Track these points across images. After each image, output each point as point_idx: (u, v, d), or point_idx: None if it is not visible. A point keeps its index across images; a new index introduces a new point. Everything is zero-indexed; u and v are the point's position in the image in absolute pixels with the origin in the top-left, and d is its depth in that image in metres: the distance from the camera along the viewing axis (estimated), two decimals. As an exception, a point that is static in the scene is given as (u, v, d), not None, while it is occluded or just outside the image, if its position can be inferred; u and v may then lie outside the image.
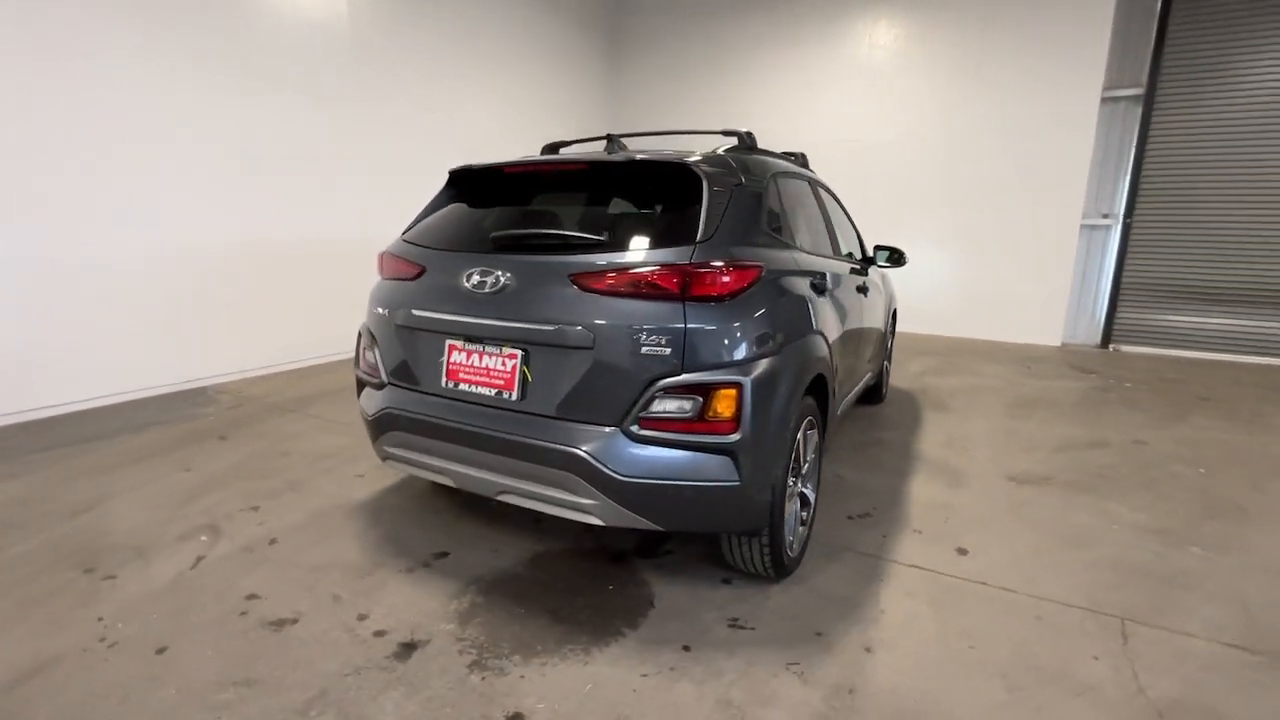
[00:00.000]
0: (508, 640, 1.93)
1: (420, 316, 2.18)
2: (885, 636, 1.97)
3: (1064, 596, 2.21)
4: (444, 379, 2.15)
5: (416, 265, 2.27)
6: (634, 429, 1.83)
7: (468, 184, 2.52)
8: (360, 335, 2.55)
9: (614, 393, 1.85)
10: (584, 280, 1.90)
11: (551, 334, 1.91)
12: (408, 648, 1.89)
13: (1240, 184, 6.65)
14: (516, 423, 1.98)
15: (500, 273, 2.01)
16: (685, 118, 9.18)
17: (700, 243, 1.89)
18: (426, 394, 2.21)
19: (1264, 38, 6.40)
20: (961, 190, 7.77)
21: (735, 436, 1.78)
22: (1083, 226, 7.29)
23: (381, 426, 2.29)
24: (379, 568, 2.33)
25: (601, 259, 1.91)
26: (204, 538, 2.53)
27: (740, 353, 1.82)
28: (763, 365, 1.85)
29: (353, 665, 1.80)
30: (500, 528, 2.64)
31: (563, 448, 1.87)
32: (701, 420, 1.79)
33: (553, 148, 3.05)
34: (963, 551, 2.51)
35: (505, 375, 2.01)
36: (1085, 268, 7.46)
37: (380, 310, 2.35)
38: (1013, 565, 2.41)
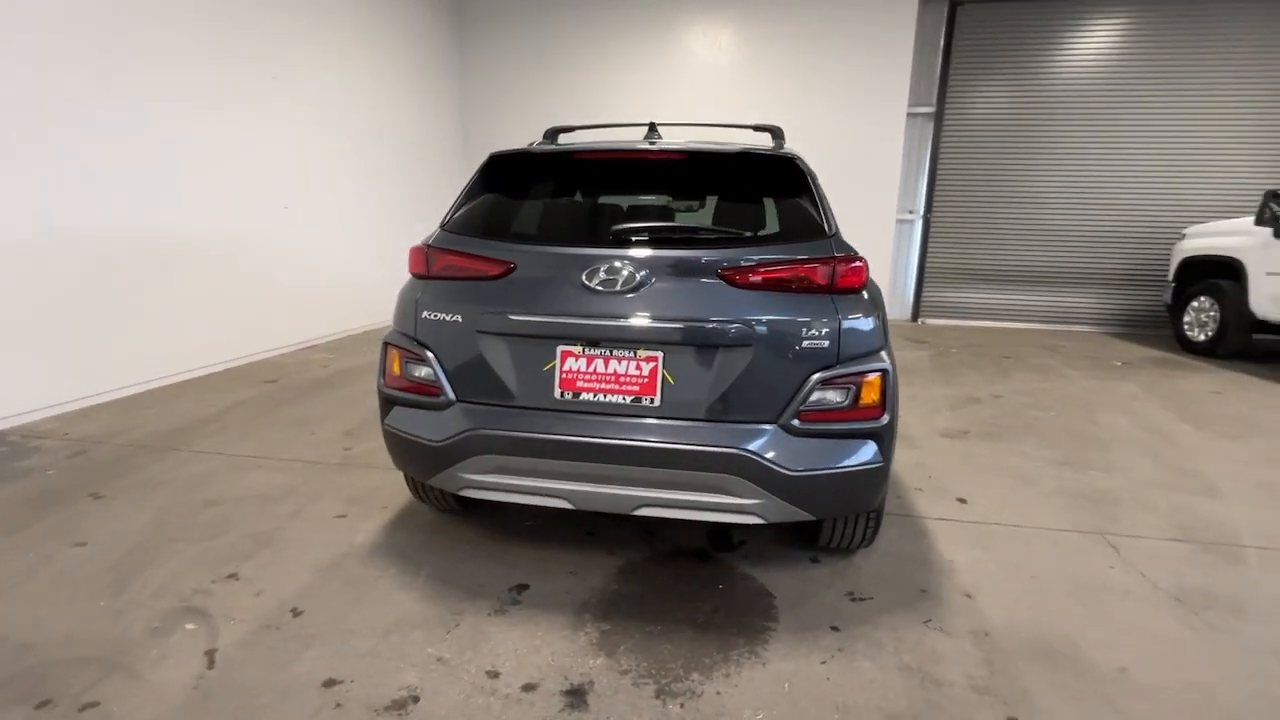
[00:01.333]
0: (671, 660, 1.81)
1: (521, 321, 1.90)
2: (971, 582, 2.25)
3: (1054, 524, 2.72)
4: (556, 390, 1.91)
5: (501, 261, 1.97)
6: (795, 423, 1.83)
7: (525, 170, 2.24)
8: (389, 347, 2.13)
9: (773, 388, 1.82)
10: (735, 276, 1.83)
11: (708, 333, 1.81)
12: (575, 694, 1.67)
13: (1011, 186, 8.52)
14: (659, 430, 1.85)
15: (634, 269, 1.85)
16: (539, 103, 8.95)
17: (831, 236, 1.94)
18: (528, 409, 1.94)
19: (1023, 70, 8.23)
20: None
21: (884, 420, 1.88)
22: (897, 221, 8.71)
23: (460, 452, 1.95)
24: (461, 615, 2.00)
25: (751, 254, 1.86)
26: (191, 626, 1.92)
27: (877, 340, 1.91)
28: (887, 350, 1.98)
29: (472, 710, 1.56)
30: (554, 547, 2.42)
31: (724, 450, 1.80)
32: (855, 408, 1.86)
33: (553, 133, 2.82)
34: (963, 500, 2.93)
35: (642, 380, 1.86)
36: (897, 256, 8.93)
37: (443, 316, 2.00)
38: (1004, 506, 2.88)
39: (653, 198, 2.18)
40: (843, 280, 1.86)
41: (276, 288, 5.64)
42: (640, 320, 1.83)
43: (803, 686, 1.72)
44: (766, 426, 1.83)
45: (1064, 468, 3.37)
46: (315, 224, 6.16)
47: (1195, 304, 6.75)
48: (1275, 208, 5.73)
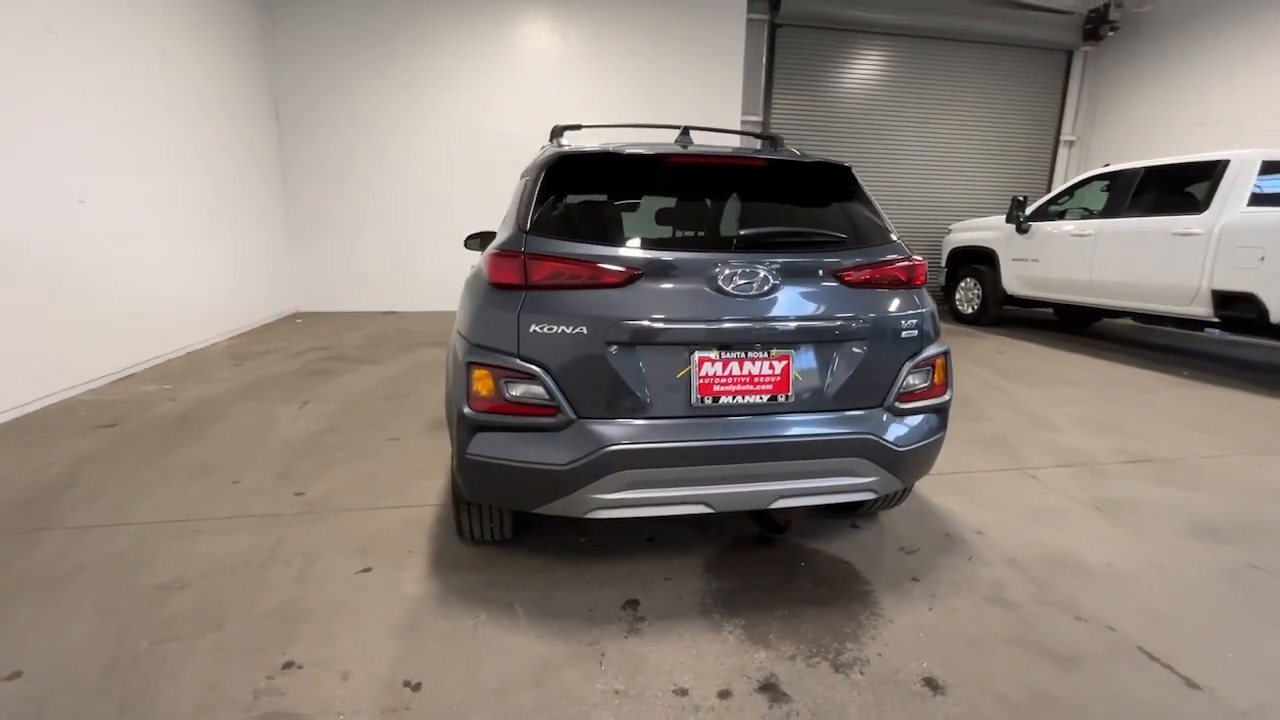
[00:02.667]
0: (820, 637, 1.93)
1: (659, 328, 1.83)
2: (973, 521, 2.72)
3: (986, 466, 3.38)
4: (694, 396, 1.88)
5: (627, 268, 1.87)
6: (897, 404, 2.06)
7: (599, 170, 2.12)
8: (477, 368, 1.89)
9: (881, 376, 2.03)
10: (847, 275, 1.99)
11: (833, 330, 1.94)
12: (769, 689, 1.71)
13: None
14: (795, 424, 1.94)
15: (765, 273, 1.89)
16: (363, 88, 8.10)
17: (895, 238, 2.20)
18: (663, 419, 1.88)
19: (829, 87, 9.57)
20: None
21: (947, 396, 2.21)
22: (737, 218, 9.60)
23: (593, 472, 1.82)
24: (599, 643, 1.88)
25: (854, 255, 2.03)
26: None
27: (937, 327, 2.23)
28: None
29: (757, 732, 1.57)
30: (625, 558, 2.37)
31: (854, 436, 1.96)
32: (931, 387, 2.15)
33: (559, 130, 2.69)
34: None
35: (775, 379, 1.92)
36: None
37: (560, 328, 1.83)
38: (945, 457, 3.49)
39: (736, 203, 2.23)
40: (919, 277, 2.14)
41: (73, 306, 4.35)
42: (774, 321, 1.90)
43: (933, 631, 1.97)
44: (878, 411, 2.04)
45: (958, 420, 4.16)
46: (120, 224, 4.87)
47: (963, 285, 8.61)
48: (1018, 210, 7.57)
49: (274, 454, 3.33)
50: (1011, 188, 9.63)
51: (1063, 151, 10.49)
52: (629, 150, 2.09)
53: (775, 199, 2.16)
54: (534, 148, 8.43)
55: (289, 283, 8.33)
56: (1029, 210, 7.56)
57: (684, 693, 1.70)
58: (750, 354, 1.91)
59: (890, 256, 2.09)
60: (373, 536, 2.48)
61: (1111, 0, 9.42)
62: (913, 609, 2.09)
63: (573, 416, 1.86)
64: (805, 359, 1.97)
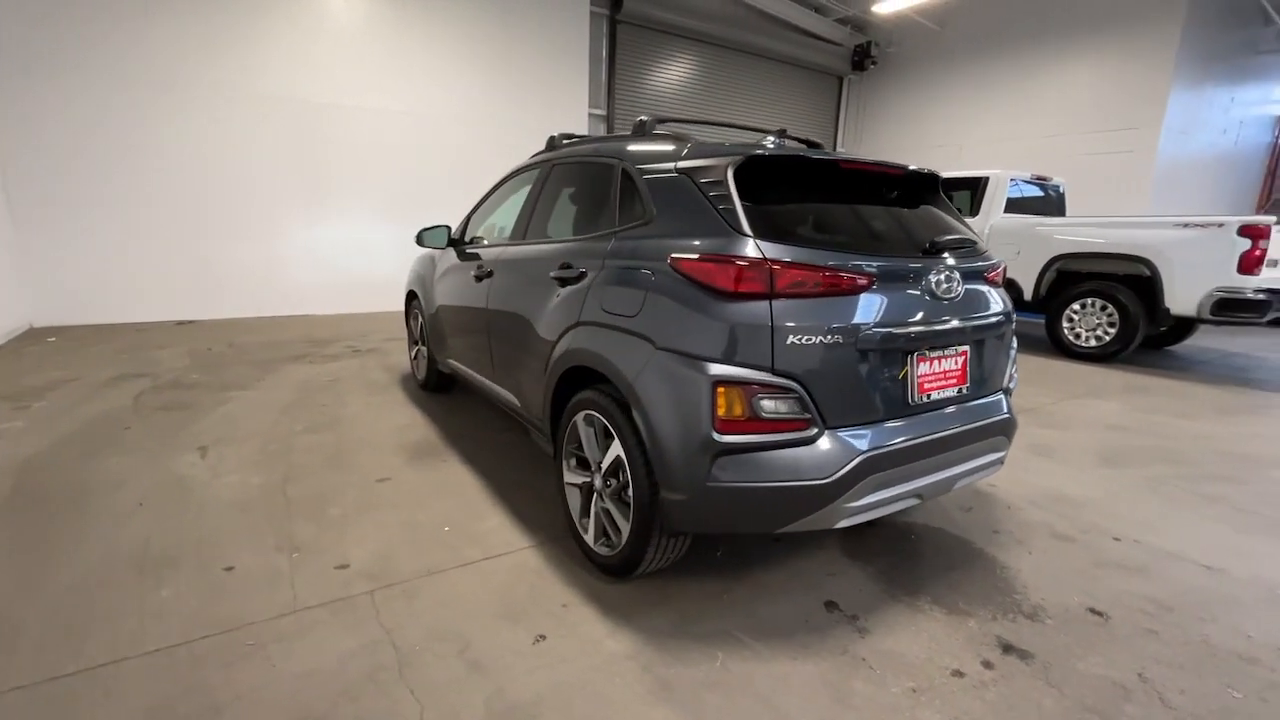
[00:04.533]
0: (1000, 596, 2.19)
1: (896, 333, 1.86)
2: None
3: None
4: (914, 395, 1.95)
5: (866, 274, 1.84)
6: (1009, 386, 2.39)
7: (787, 174, 2.01)
8: (728, 386, 1.72)
9: (1004, 362, 2.33)
10: (991, 277, 2.24)
11: (994, 325, 2.17)
12: (1015, 650, 1.91)
13: None
14: (972, 411, 2.14)
15: (959, 276, 2.03)
16: (137, 38, 6.23)
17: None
18: (892, 420, 1.92)
19: (662, 84, 9.98)
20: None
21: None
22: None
23: (850, 481, 1.79)
24: (846, 652, 1.87)
25: (988, 257, 2.27)
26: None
27: None
28: None
29: (1004, 700, 1.76)
30: (773, 564, 2.36)
31: (1002, 417, 2.23)
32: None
33: (652, 123, 2.48)
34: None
35: (958, 373, 2.09)
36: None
37: (816, 338, 1.75)
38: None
39: (893, 208, 2.30)
40: (1006, 276, 2.50)
41: None
42: (961, 321, 2.07)
43: (1051, 571, 2.37)
44: (1002, 393, 2.35)
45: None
46: None
47: (1082, 306, 9.62)
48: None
49: (241, 523, 2.50)
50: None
51: (838, 161, 12.55)
52: (815, 155, 2.05)
53: (913, 205, 2.30)
54: (375, 124, 7.45)
55: (16, 292, 6.05)
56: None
57: (960, 674, 1.81)
58: (945, 352, 2.06)
59: (999, 259, 2.42)
60: (501, 598, 2.07)
61: (871, 39, 11.53)
62: (1021, 556, 2.48)
63: (823, 427, 1.81)
64: (974, 353, 2.18)
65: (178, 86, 6.48)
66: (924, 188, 2.40)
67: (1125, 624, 2.07)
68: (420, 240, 3.74)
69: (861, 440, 1.85)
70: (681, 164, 2.10)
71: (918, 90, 11.24)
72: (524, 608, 2.03)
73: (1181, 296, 5.89)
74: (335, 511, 2.63)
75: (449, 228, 3.75)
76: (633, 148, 2.37)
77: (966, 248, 2.24)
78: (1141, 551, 2.54)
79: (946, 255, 2.11)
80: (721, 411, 1.73)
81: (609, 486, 2.14)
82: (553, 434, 2.50)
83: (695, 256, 1.85)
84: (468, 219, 3.77)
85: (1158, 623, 2.09)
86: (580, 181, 2.70)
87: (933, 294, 2.01)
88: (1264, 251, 5.59)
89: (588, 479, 2.27)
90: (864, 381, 1.88)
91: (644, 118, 2.46)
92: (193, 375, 4.68)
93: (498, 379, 3.04)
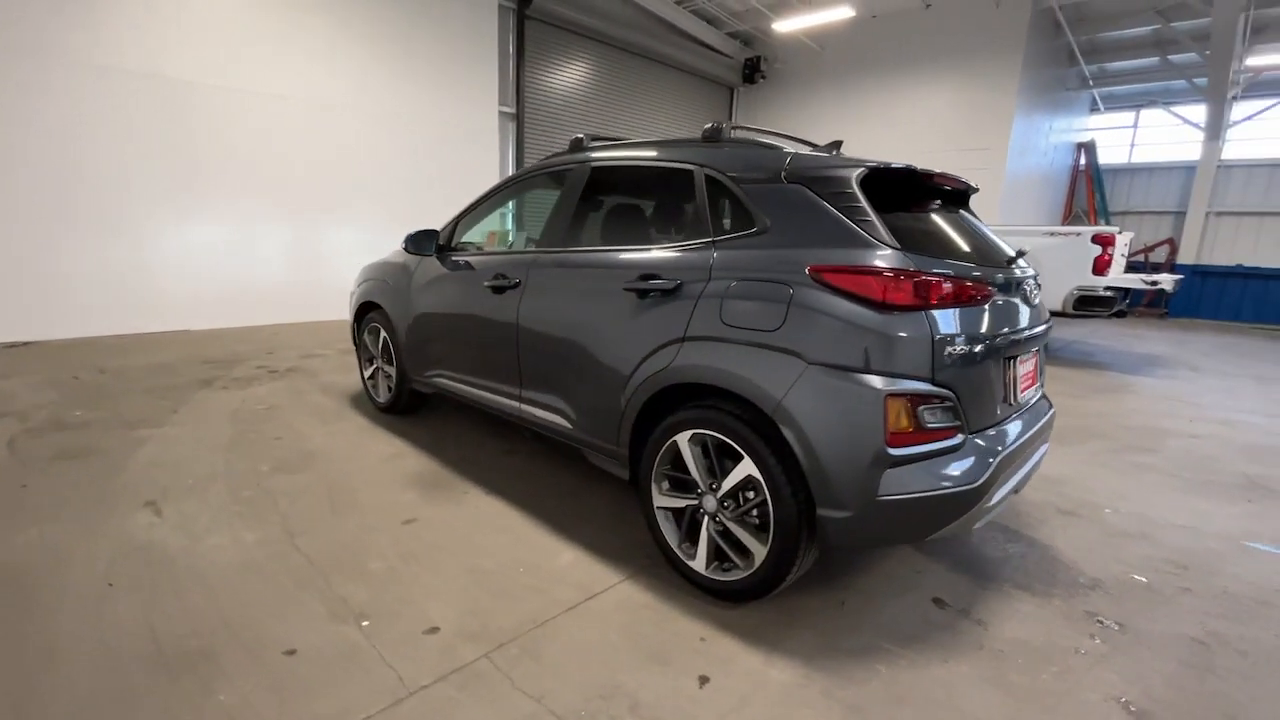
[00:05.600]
0: (1066, 574, 2.41)
1: (1014, 339, 1.96)
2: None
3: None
4: (1015, 396, 2.07)
5: (989, 285, 1.91)
6: (1044, 383, 2.64)
7: (893, 185, 2.02)
8: (894, 398, 1.72)
9: (1042, 364, 2.57)
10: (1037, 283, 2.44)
11: (1049, 329, 2.37)
12: (1108, 622, 2.11)
13: None
14: (1037, 409, 2.31)
15: (1037, 285, 2.18)
16: None
17: None
18: (1005, 421, 2.02)
19: (571, 83, 9.75)
20: (406, 182, 8.01)
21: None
22: (505, 215, 9.11)
23: (992, 483, 1.86)
24: (984, 646, 1.96)
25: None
26: None
27: None
28: None
29: (1131, 669, 1.96)
30: (856, 566, 2.41)
31: (1051, 412, 2.44)
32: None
33: (718, 130, 2.39)
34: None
35: (1033, 374, 2.26)
36: (498, 246, 9.41)
37: (967, 348, 1.81)
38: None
39: (962, 220, 2.39)
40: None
41: None
42: (1038, 326, 2.24)
43: (1088, 548, 2.66)
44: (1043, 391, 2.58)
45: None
46: None
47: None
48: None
49: (266, 593, 2.06)
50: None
51: (731, 168, 13.15)
52: (920, 168, 2.09)
53: (971, 215, 2.44)
54: (265, 112, 6.54)
55: None
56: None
57: (1080, 652, 1.96)
58: (1028, 354, 2.22)
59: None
60: (632, 640, 1.90)
61: (760, 54, 12.20)
62: (1049, 534, 2.75)
63: (968, 433, 1.87)
64: (1040, 355, 2.38)
65: (4, 53, 5.19)
66: (966, 199, 2.57)
67: (1164, 586, 2.37)
68: (414, 246, 3.33)
69: (995, 442, 1.94)
70: (792, 173, 2.06)
71: (801, 105, 12.09)
72: (663, 648, 1.87)
73: (1050, 294, 6.90)
74: (377, 565, 2.25)
75: (437, 232, 3.38)
76: (716, 154, 2.28)
77: (1024, 256, 2.43)
78: (1131, 520, 2.93)
79: (1021, 264, 2.28)
80: (891, 424, 1.73)
81: (728, 508, 2.05)
82: (633, 457, 2.34)
83: (848, 269, 1.82)
84: (455, 224, 3.41)
85: (1184, 580, 2.41)
86: (643, 187, 2.55)
87: (1025, 300, 2.16)
88: (1112, 256, 6.72)
89: (692, 502, 2.15)
90: (990, 386, 1.97)
91: (718, 123, 2.37)
92: (74, 412, 3.77)
93: (529, 398, 2.79)
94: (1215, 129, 11.47)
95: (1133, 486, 3.35)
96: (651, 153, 2.55)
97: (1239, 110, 11.68)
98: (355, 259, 7.56)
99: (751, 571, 1.99)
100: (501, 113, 8.86)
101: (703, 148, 2.36)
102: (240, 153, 6.57)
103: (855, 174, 1.96)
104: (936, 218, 2.26)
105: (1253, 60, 10.10)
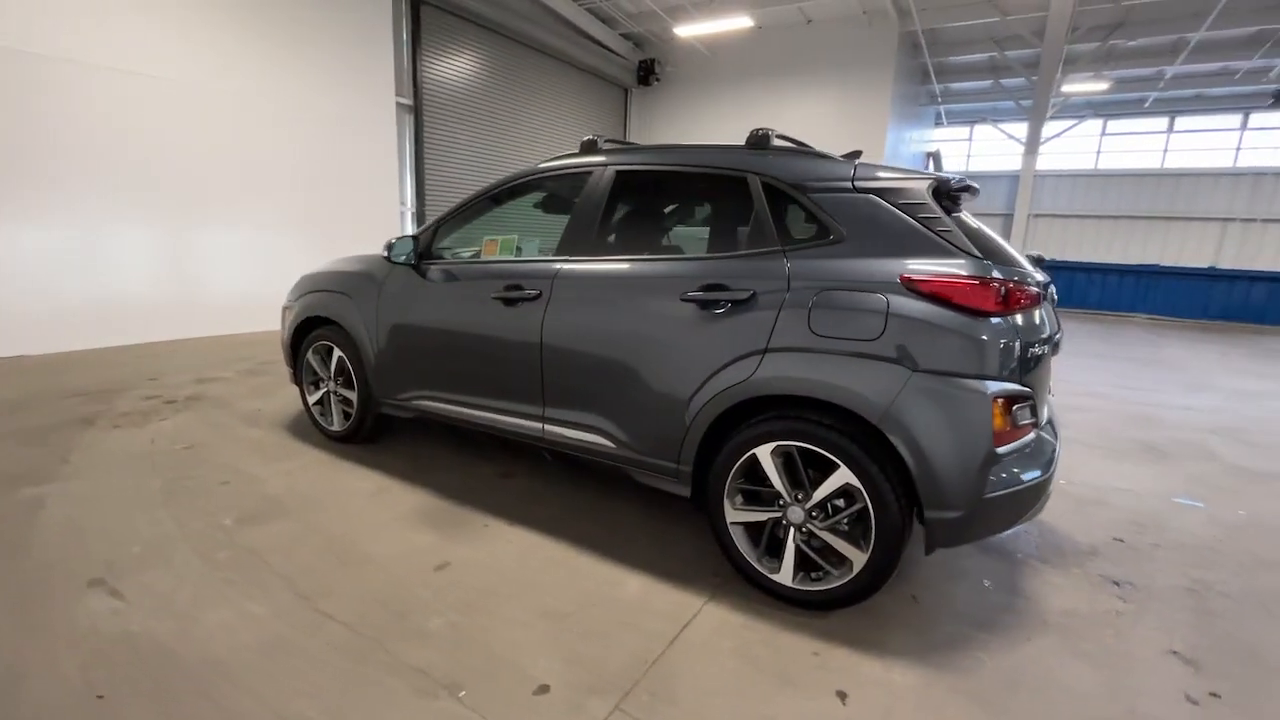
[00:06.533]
0: (1088, 540, 2.69)
1: (1051, 339, 2.13)
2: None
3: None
4: (1050, 393, 2.26)
5: (1041, 290, 2.06)
6: None
7: (946, 198, 2.10)
8: (998, 399, 1.82)
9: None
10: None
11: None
12: (1123, 583, 2.39)
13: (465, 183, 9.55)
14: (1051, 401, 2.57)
15: (1053, 289, 2.40)
16: None
17: None
18: (1047, 416, 2.21)
19: (472, 75, 9.21)
20: (302, 178, 7.14)
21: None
22: (403, 214, 8.42)
23: (1054, 471, 2.03)
24: (1064, 618, 2.13)
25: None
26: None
27: None
28: None
29: (1160, 622, 2.25)
30: (926, 565, 2.54)
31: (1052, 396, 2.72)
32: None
33: (765, 137, 2.36)
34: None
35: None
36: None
37: (1037, 350, 1.95)
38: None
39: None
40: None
41: None
42: (1059, 327, 2.47)
43: (1071, 522, 3.00)
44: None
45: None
46: None
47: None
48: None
49: (318, 677, 1.72)
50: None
51: (629, 168, 13.21)
52: (968, 180, 2.20)
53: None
54: (124, 93, 5.51)
55: None
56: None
57: (1118, 613, 2.20)
58: (1054, 353, 2.44)
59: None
60: (751, 666, 1.83)
61: (654, 57, 12.36)
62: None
63: (1039, 428, 2.02)
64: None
65: None
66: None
67: (1138, 544, 2.74)
68: (400, 254, 2.97)
69: (1052, 435, 2.12)
70: (862, 183, 2.09)
71: (694, 108, 12.44)
72: (784, 668, 1.83)
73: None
74: (436, 623, 1.97)
75: (416, 239, 3.03)
76: (771, 161, 2.26)
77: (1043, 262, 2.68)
78: (1086, 489, 3.36)
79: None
80: (997, 425, 1.82)
81: (817, 518, 2.05)
82: (698, 472, 2.27)
83: (944, 277, 1.88)
84: (435, 230, 3.08)
85: (1149, 537, 2.81)
86: (682, 192, 2.45)
87: (1053, 302, 2.37)
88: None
89: (774, 514, 2.12)
90: (1045, 383, 2.15)
91: (763, 130, 2.35)
92: (-87, 471, 2.91)
93: (556, 418, 2.59)
94: (1033, 144, 13.47)
95: (1068, 458, 3.83)
96: (690, 158, 2.47)
97: (1050, 128, 13.81)
98: (242, 264, 6.61)
99: (850, 578, 2.01)
100: (399, 104, 8.17)
101: (751, 154, 2.33)
102: (98, 142, 5.45)
103: (926, 185, 2.04)
104: (969, 222, 2.42)
105: (1067, 87, 11.99)
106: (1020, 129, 13.94)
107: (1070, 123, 14.44)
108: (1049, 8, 9.08)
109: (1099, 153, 14.91)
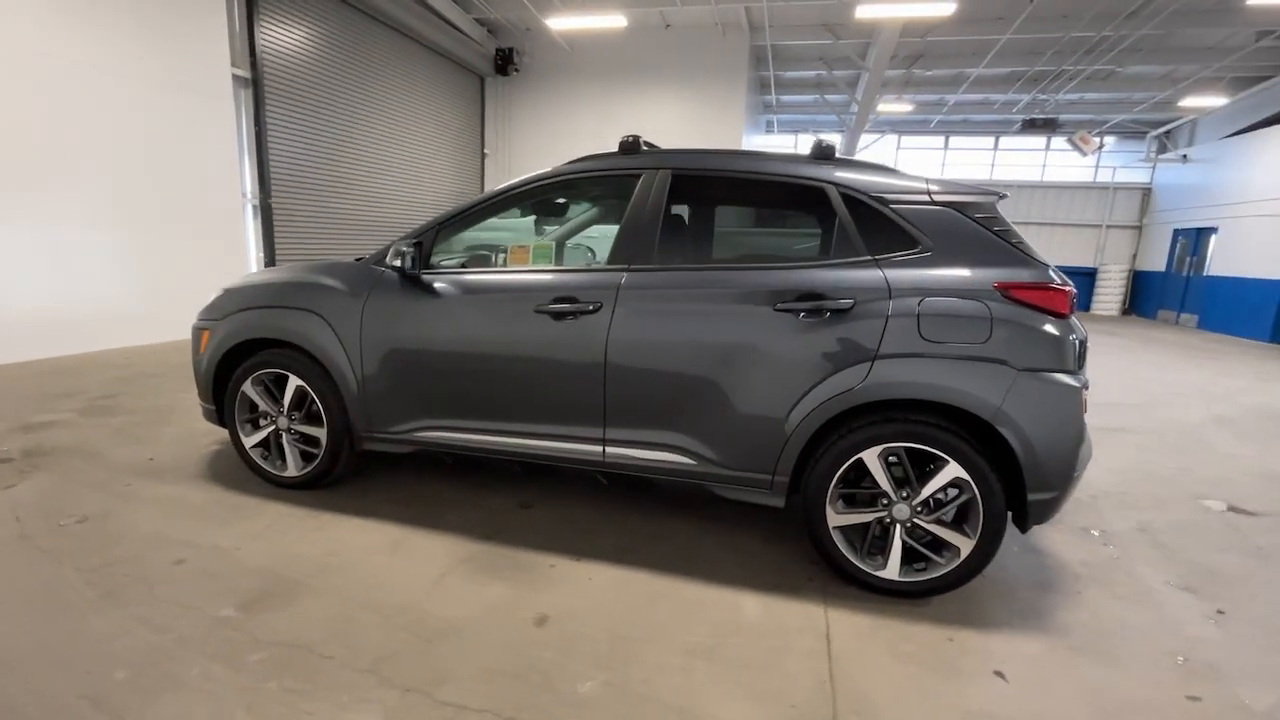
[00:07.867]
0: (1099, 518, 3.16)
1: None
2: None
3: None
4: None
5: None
6: None
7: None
8: (1083, 390, 2.09)
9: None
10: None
11: None
12: (1104, 534, 2.88)
13: (339, 172, 8.39)
14: None
15: None
16: None
17: None
18: None
19: (308, 45, 8.01)
20: (114, 166, 5.69)
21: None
22: (248, 205, 7.10)
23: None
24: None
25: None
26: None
27: None
28: None
29: (1152, 558, 2.76)
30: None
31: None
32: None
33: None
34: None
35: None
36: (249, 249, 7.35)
37: (1079, 345, 2.24)
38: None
39: None
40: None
41: None
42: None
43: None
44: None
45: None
46: None
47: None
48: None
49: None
50: (450, 192, 11.07)
51: (488, 164, 12.55)
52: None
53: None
54: None
55: None
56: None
57: (1124, 561, 2.66)
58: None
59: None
60: (906, 663, 1.90)
61: (512, 46, 11.84)
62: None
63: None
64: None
65: None
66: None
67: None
68: (407, 262, 2.52)
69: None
70: (939, 196, 2.24)
71: (554, 102, 12.19)
72: (937, 660, 1.92)
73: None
74: (587, 686, 1.74)
75: (418, 244, 2.60)
76: (847, 172, 2.32)
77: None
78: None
79: None
80: (1084, 412, 2.08)
81: (921, 513, 2.17)
82: (795, 481, 2.28)
83: (1033, 285, 2.09)
84: (434, 237, 2.67)
85: (1136, 513, 3.23)
86: (750, 199, 2.39)
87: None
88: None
89: (878, 514, 2.21)
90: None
91: (826, 142, 2.39)
92: None
93: (622, 439, 2.41)
94: (850, 153, 15.38)
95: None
96: (759, 165, 2.44)
97: (862, 141, 15.87)
98: (36, 272, 5.04)
99: (957, 564, 2.16)
100: (236, 76, 6.86)
101: (821, 165, 2.37)
102: None
103: (996, 200, 2.25)
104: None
105: (880, 106, 13.86)
106: (837, 140, 15.82)
107: (875, 137, 16.76)
108: (877, 35, 10.41)
109: (896, 164, 17.48)
